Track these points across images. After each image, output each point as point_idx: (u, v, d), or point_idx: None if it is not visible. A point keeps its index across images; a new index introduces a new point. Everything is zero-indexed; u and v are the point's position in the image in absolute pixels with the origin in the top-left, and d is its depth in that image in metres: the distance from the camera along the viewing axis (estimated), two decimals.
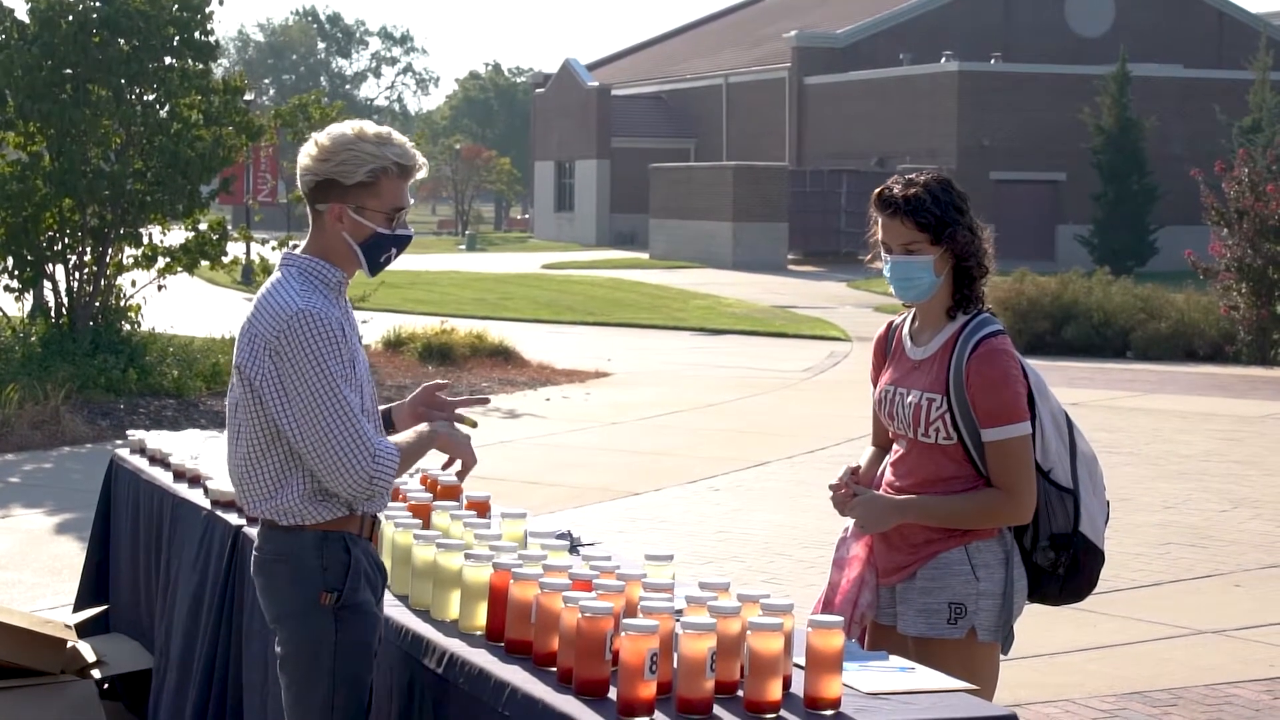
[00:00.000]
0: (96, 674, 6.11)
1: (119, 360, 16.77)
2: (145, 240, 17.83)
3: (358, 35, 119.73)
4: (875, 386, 4.45)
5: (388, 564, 4.32)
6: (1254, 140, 35.11)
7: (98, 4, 17.50)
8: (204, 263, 18.39)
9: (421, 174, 3.92)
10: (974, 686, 3.59)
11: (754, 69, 58.08)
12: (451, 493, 4.83)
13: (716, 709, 3.30)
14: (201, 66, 18.07)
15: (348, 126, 3.86)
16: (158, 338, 18.45)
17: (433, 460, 4.27)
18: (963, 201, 4.27)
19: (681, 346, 24.92)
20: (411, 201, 3.93)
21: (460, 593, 3.96)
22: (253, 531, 4.48)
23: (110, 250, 17.64)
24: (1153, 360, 22.86)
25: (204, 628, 5.39)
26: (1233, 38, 55.46)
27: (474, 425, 4.11)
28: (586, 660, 3.37)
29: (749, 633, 3.31)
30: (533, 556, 3.87)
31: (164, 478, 6.14)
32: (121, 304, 18.02)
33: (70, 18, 17.23)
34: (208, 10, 17.96)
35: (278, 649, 3.89)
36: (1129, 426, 15.81)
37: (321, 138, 3.86)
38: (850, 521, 4.37)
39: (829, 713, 3.32)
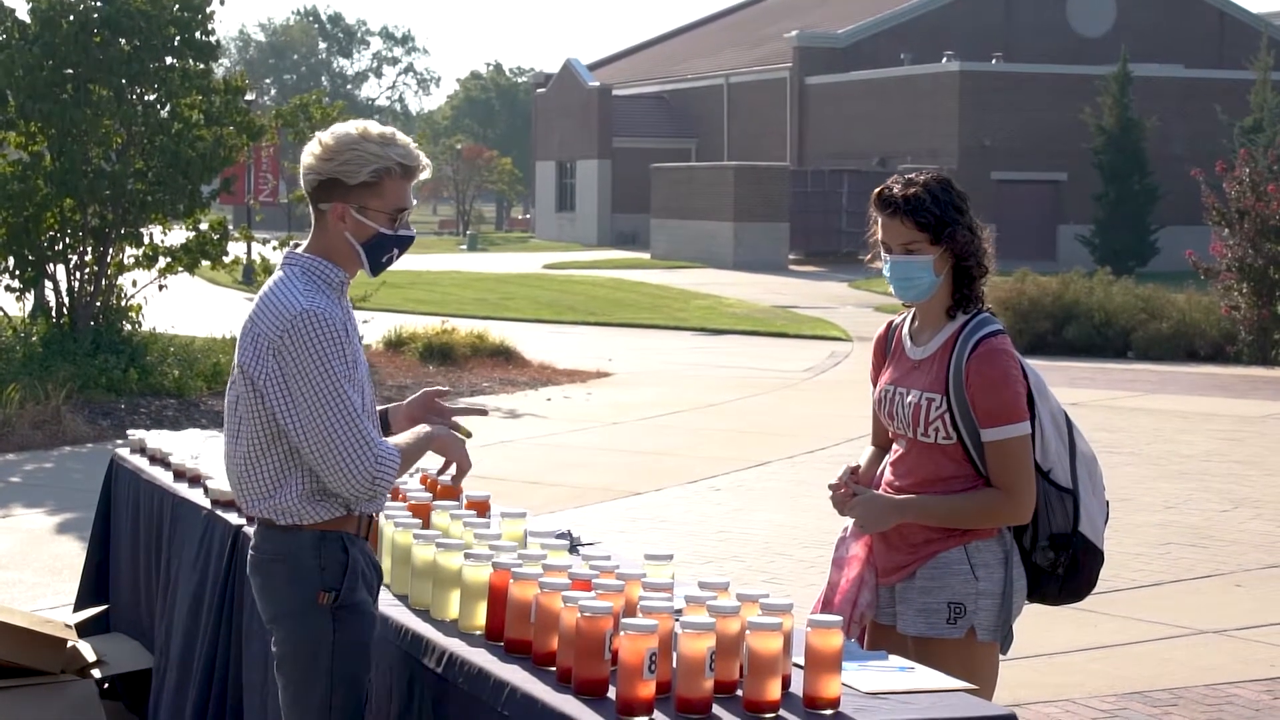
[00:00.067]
0: (97, 674, 6.11)
1: (120, 360, 16.77)
2: (146, 240, 17.85)
3: (359, 35, 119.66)
4: (875, 386, 4.45)
5: (387, 564, 4.33)
6: (1255, 140, 35.09)
7: (99, 4, 17.50)
8: (205, 263, 18.41)
9: (425, 175, 3.91)
10: (973, 686, 3.59)
11: (755, 69, 58.05)
12: (451, 492, 4.81)
13: (716, 708, 3.29)
14: (202, 66, 18.08)
15: (352, 126, 3.86)
16: (159, 337, 18.45)
17: (431, 461, 4.27)
18: (962, 201, 4.27)
19: (682, 346, 24.92)
20: (414, 202, 3.93)
21: (460, 592, 3.96)
22: (251, 531, 4.48)
23: (111, 250, 17.64)
24: (1154, 360, 22.85)
25: (204, 627, 5.39)
26: (1234, 38, 55.46)
27: (469, 435, 4.10)
28: (586, 660, 3.36)
29: (748, 632, 3.31)
30: (532, 556, 3.87)
31: (164, 477, 6.14)
32: (122, 304, 18.02)
33: (71, 17, 17.24)
34: (209, 10, 17.96)
35: (275, 649, 3.89)
36: (1130, 426, 15.80)
37: (325, 137, 3.86)
38: (850, 521, 4.37)
39: (828, 712, 3.32)
